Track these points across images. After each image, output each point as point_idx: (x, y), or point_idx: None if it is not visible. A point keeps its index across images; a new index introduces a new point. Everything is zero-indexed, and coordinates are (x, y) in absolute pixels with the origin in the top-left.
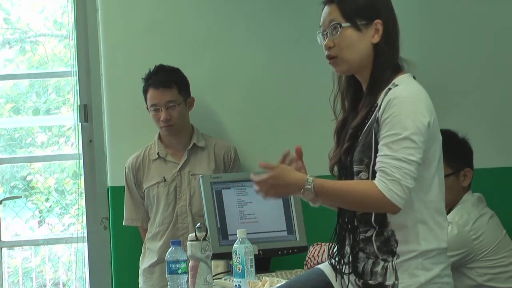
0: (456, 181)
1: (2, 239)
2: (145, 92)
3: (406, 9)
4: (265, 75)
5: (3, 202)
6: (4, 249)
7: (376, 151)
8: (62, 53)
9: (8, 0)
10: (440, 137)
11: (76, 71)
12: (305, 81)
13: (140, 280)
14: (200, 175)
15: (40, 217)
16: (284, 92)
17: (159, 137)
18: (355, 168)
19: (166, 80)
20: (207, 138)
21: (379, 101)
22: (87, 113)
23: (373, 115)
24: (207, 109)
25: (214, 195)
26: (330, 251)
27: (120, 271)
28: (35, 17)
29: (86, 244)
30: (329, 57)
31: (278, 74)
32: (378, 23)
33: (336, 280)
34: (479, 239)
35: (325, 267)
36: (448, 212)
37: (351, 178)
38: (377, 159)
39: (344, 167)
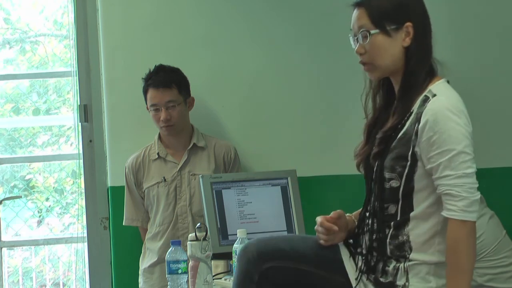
0: None
1: (2, 239)
2: (145, 92)
3: None
4: (265, 75)
5: (3, 202)
6: (4, 249)
7: (412, 162)
8: (62, 53)
9: (8, 0)
10: None
11: (76, 71)
12: (305, 81)
13: (140, 280)
14: (200, 175)
15: (40, 216)
16: (284, 92)
17: (159, 137)
18: (386, 175)
19: (166, 80)
20: (207, 138)
21: (414, 107)
22: (87, 113)
23: (409, 123)
24: (207, 109)
25: (214, 195)
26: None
27: (120, 271)
28: (35, 17)
29: (86, 244)
30: (362, 63)
31: (278, 74)
32: (408, 26)
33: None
34: (479, 239)
35: (342, 245)
36: None
37: (380, 183)
38: (438, 181)
39: (371, 169)
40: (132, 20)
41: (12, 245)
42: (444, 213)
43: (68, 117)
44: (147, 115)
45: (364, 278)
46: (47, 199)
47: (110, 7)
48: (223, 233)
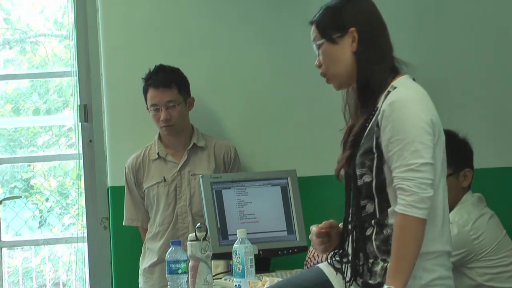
0: (456, 182)
1: (2, 239)
2: (145, 92)
3: (408, 8)
4: (265, 75)
5: (3, 202)
6: (4, 249)
7: (378, 153)
8: (62, 53)
9: (8, 0)
10: (444, 139)
11: (76, 71)
12: (305, 81)
13: (140, 280)
14: (200, 175)
15: (40, 217)
16: (284, 92)
17: (159, 137)
18: (358, 172)
19: (166, 80)
20: (207, 138)
21: (379, 104)
22: (87, 113)
23: (373, 118)
24: (207, 109)
25: (214, 195)
26: (331, 251)
27: (120, 271)
28: (35, 17)
29: (86, 244)
30: (323, 76)
31: (278, 74)
32: (353, 31)
33: (338, 276)
34: (479, 239)
35: (324, 266)
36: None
37: (355, 182)
38: (393, 173)
39: (348, 174)
40: (132, 20)
41: (12, 245)
42: (396, 207)
43: (68, 117)
44: (147, 115)
45: (353, 286)
46: (47, 200)
47: (110, 7)
48: (223, 233)
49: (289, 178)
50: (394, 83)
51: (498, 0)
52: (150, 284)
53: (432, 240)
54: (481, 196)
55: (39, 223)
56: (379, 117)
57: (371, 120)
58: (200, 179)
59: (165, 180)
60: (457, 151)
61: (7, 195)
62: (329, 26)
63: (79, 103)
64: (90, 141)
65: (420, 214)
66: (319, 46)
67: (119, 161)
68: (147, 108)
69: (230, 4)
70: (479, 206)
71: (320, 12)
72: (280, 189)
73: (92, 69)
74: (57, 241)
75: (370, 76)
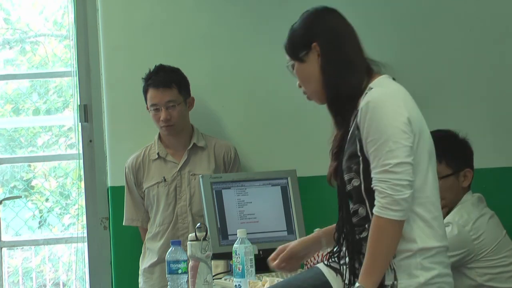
0: (456, 182)
1: (2, 239)
2: (145, 92)
3: (407, 8)
4: (265, 75)
5: (3, 202)
6: (4, 249)
7: (363, 156)
8: (62, 53)
9: (8, 0)
10: (427, 132)
11: (76, 71)
12: None
13: (140, 280)
14: (200, 175)
15: (40, 217)
16: (284, 92)
17: (159, 137)
18: (346, 177)
19: (166, 80)
20: (207, 138)
21: (359, 107)
22: (87, 113)
23: (354, 122)
24: (207, 109)
25: (214, 195)
26: (328, 253)
27: (120, 271)
28: (35, 17)
29: (86, 244)
30: (305, 94)
31: (278, 74)
32: (315, 46)
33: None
34: (479, 239)
35: (323, 266)
36: (448, 213)
37: (344, 188)
38: (372, 173)
39: (338, 182)
40: (132, 20)
41: (12, 245)
42: (373, 209)
43: (68, 117)
44: (147, 115)
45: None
46: (47, 200)
47: (110, 7)
48: (223, 233)
49: (289, 178)
50: (371, 84)
51: (499, 0)
52: (150, 284)
53: (424, 235)
54: (481, 196)
55: (39, 223)
56: (358, 119)
57: (351, 127)
58: (200, 179)
59: (165, 180)
60: (457, 151)
61: (7, 195)
62: (295, 47)
63: (79, 103)
64: (90, 141)
65: (394, 216)
66: (292, 68)
67: (119, 161)
68: (147, 108)
69: (230, 3)
70: (479, 206)
71: (287, 35)
72: (280, 189)
73: (92, 69)
74: (57, 241)
75: (338, 85)
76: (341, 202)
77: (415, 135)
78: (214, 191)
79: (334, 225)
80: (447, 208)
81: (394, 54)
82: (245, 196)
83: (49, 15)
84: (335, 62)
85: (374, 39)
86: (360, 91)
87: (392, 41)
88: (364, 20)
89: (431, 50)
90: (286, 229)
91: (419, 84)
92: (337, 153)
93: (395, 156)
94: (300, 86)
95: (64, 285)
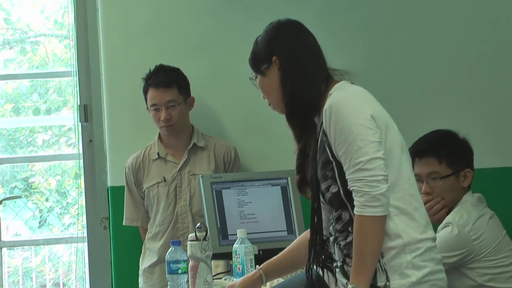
0: (456, 182)
1: (2, 239)
2: (145, 92)
3: (408, 8)
4: None
5: (3, 202)
6: (4, 249)
7: (336, 161)
8: (62, 53)
9: (8, 0)
10: (395, 126)
11: (76, 71)
12: None
13: (140, 280)
14: (200, 175)
15: (40, 217)
16: None
17: (159, 137)
18: (323, 186)
19: (166, 80)
20: (207, 138)
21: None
22: (87, 113)
23: (321, 130)
24: (207, 109)
25: (214, 195)
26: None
27: (120, 271)
28: (35, 17)
29: (86, 244)
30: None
31: None
32: (275, 59)
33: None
34: (479, 239)
35: (319, 268)
36: (448, 213)
37: (323, 196)
38: (346, 175)
39: (314, 192)
40: (132, 20)
41: (12, 245)
42: (354, 210)
43: (68, 117)
44: (147, 115)
45: None
46: (47, 200)
47: (110, 7)
48: (223, 233)
49: (289, 178)
50: (331, 91)
51: (498, 1)
52: (150, 284)
53: (408, 227)
54: (481, 196)
55: (39, 223)
56: (324, 125)
57: (320, 132)
58: (200, 179)
59: (165, 180)
60: (458, 151)
61: (7, 195)
62: (257, 60)
63: (79, 103)
64: (90, 141)
65: (375, 212)
66: (256, 80)
67: (119, 161)
68: (147, 108)
69: (230, 4)
70: (479, 206)
71: (252, 47)
72: (280, 189)
73: (92, 69)
74: (57, 241)
75: (295, 99)
76: (315, 211)
77: (382, 131)
78: (214, 191)
79: (274, 258)
80: (447, 208)
81: (394, 54)
82: (245, 196)
83: (49, 15)
84: (292, 76)
85: (374, 39)
86: (318, 102)
87: (392, 41)
88: (364, 20)
89: (432, 50)
90: (286, 229)
91: (419, 85)
92: (300, 165)
93: (365, 153)
94: (264, 97)
95: (64, 285)
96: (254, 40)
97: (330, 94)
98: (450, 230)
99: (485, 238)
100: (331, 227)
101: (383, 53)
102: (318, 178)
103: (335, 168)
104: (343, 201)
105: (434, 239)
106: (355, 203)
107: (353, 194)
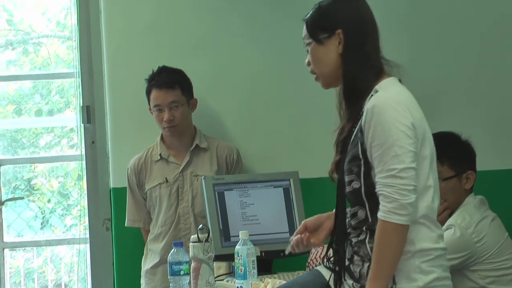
0: (458, 184)
1: (5, 240)
2: (148, 93)
3: (408, 8)
4: (267, 76)
5: (6, 203)
6: (6, 250)
7: (365, 160)
8: (65, 54)
9: (11, 1)
10: (430, 136)
11: (79, 72)
12: (306, 81)
13: (142, 281)
14: (202, 177)
15: (42, 218)
16: (286, 92)
17: (162, 138)
18: (347, 178)
19: (169, 81)
20: (210, 140)
21: (364, 108)
22: (90, 114)
23: (358, 124)
24: (210, 111)
25: (217, 197)
26: (325, 255)
27: (122, 272)
28: (38, 18)
29: (88, 245)
30: (312, 73)
31: (279, 75)
32: (339, 33)
33: (334, 283)
34: (481, 242)
35: (323, 268)
36: (450, 215)
37: (344, 188)
38: (376, 178)
39: (339, 180)
40: (135, 21)
41: (14, 246)
42: (378, 214)
43: (70, 118)
44: (149, 116)
45: None
46: (49, 201)
47: (113, 8)
48: (225, 234)
49: (291, 180)
50: (378, 86)
51: (498, 1)
52: (152, 286)
53: (422, 237)
54: (483, 199)
55: (41, 224)
56: (362, 122)
57: (357, 125)
58: (203, 181)
59: (167, 181)
60: (460, 153)
61: (9, 196)
62: (317, 27)
63: (81, 104)
64: (93, 142)
65: (401, 220)
66: (307, 45)
67: (121, 162)
68: (150, 109)
69: (231, 5)
70: (481, 208)
71: (312, 11)
72: (283, 191)
73: (95, 70)
74: (59, 242)
75: (356, 79)
76: (339, 201)
77: (418, 140)
78: (216, 193)
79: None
80: (449, 210)
81: (394, 55)
82: (247, 198)
83: (51, 16)
84: (356, 55)
85: None
86: (369, 89)
87: (392, 42)
88: None
89: (433, 52)
90: (288, 230)
91: (421, 86)
92: (340, 149)
93: (401, 161)
94: (308, 65)
95: (66, 286)
96: (317, 4)
97: (376, 91)
98: (452, 232)
99: (487, 241)
100: (346, 221)
101: (383, 54)
102: (344, 168)
103: (362, 166)
104: (362, 199)
105: (444, 249)
106: (381, 207)
107: (380, 198)
